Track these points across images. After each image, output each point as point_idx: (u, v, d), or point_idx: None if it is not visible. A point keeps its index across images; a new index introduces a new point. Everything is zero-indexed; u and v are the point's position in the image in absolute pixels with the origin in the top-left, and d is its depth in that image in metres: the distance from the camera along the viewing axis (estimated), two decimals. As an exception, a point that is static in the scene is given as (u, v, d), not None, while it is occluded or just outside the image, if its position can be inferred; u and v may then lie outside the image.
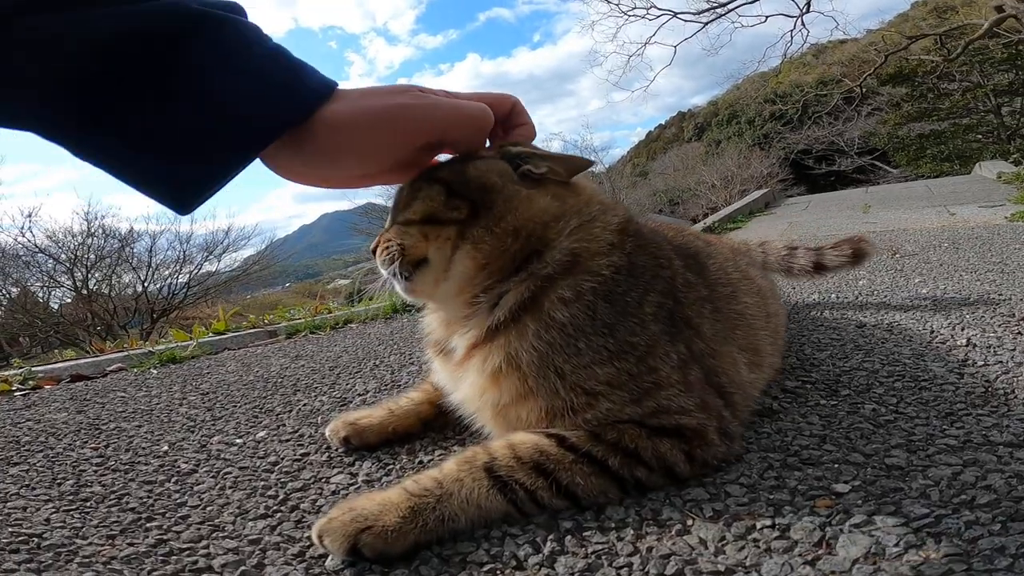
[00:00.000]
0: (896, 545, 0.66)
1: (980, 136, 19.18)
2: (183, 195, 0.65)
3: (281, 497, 0.96)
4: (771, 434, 0.99)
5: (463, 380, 0.94)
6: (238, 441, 1.25)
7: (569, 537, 0.74)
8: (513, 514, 0.78)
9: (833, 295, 2.22)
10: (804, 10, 14.51)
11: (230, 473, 1.08)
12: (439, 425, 1.15)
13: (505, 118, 0.90)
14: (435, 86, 0.88)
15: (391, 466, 1.04)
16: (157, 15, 0.58)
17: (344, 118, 0.68)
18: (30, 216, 12.59)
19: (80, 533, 0.90)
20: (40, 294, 13.46)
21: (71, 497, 1.04)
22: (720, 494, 0.80)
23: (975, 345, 1.41)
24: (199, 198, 0.66)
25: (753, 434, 1.00)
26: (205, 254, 14.07)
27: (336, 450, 1.12)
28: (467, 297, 0.92)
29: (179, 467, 1.14)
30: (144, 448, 1.27)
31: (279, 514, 0.90)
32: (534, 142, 0.94)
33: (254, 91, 0.63)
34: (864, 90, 18.41)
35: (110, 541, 0.86)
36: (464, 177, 0.87)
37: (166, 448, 1.25)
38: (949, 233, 3.78)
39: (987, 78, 18.19)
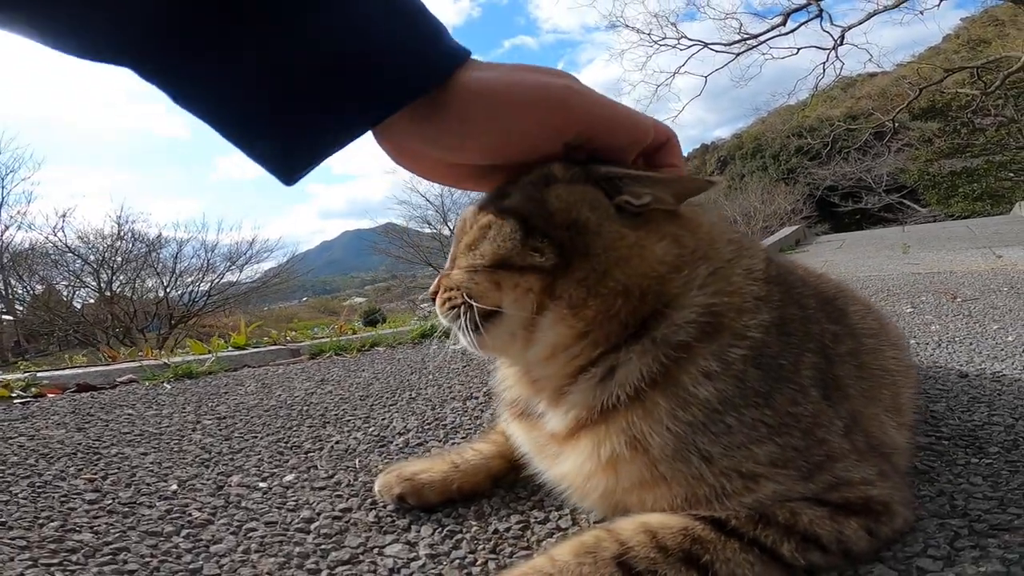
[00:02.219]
0: None
1: (1012, 174, 18.47)
2: (293, 157, 0.57)
3: (325, 573, 0.74)
4: (934, 496, 0.86)
5: (561, 459, 0.75)
6: (261, 485, 1.03)
7: None
8: None
9: (911, 340, 2.00)
10: (838, 42, 14.31)
11: (255, 530, 0.86)
12: (509, 482, 0.94)
13: (654, 152, 0.72)
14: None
15: (459, 535, 0.81)
16: None
17: (492, 85, 0.57)
18: (64, 216, 12.77)
19: (61, 602, 0.69)
20: (64, 293, 13.58)
21: (54, 545, 0.83)
22: (911, 570, 0.67)
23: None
24: (310, 163, 0.57)
25: (914, 498, 0.82)
26: (228, 264, 14.13)
27: (384, 507, 0.90)
28: (562, 366, 0.72)
29: (191, 515, 0.92)
30: (149, 484, 1.06)
31: (323, 601, 0.68)
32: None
33: (400, 33, 0.53)
34: (896, 124, 17.92)
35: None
36: (545, 208, 0.67)
37: (175, 487, 1.04)
38: (1003, 277, 3.53)
39: (1022, 112, 17.58)
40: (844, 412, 0.72)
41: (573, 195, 0.67)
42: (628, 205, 0.68)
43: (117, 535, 0.86)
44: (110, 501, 0.98)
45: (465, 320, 0.69)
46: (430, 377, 1.93)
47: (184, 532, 0.86)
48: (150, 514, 0.93)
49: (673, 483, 0.66)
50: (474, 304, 0.68)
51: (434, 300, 0.75)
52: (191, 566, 0.77)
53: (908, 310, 2.65)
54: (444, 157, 0.62)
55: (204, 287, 13.74)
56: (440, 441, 1.26)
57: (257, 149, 0.56)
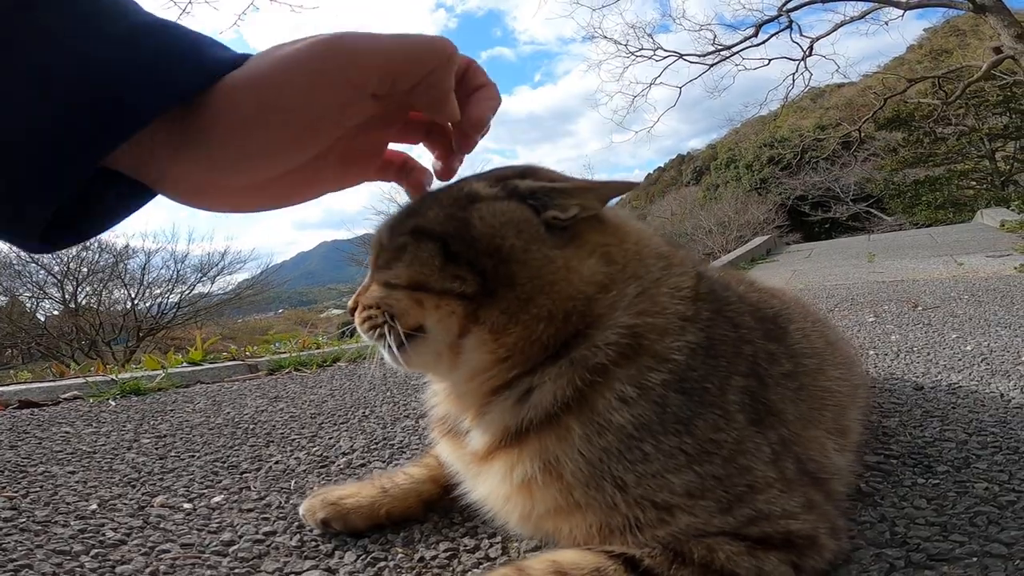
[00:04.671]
0: None
1: (974, 183, 18.48)
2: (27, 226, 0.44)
3: (231, 600, 0.71)
4: (875, 523, 0.81)
5: (482, 479, 0.73)
6: (187, 505, 1.00)
7: None
8: None
9: (871, 351, 2.02)
10: (807, 53, 14.59)
11: (168, 552, 0.83)
12: (444, 506, 0.91)
13: (460, 79, 0.60)
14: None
15: (382, 562, 0.79)
16: None
17: (252, 76, 0.46)
18: (25, 226, 12.39)
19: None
20: (28, 304, 13.16)
21: (-42, 565, 0.79)
22: (839, 606, 0.62)
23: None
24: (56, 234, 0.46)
25: (853, 524, 0.80)
26: (199, 275, 13.80)
27: (311, 531, 0.87)
28: (481, 384, 0.70)
29: (104, 535, 0.88)
30: (68, 503, 1.02)
31: (222, 630, 0.65)
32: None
33: (118, 55, 0.42)
34: (863, 135, 18.08)
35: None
36: (468, 233, 0.65)
37: (95, 506, 1.00)
38: (964, 285, 3.59)
39: (982, 121, 17.64)
40: (774, 437, 0.69)
41: (498, 218, 0.65)
42: (556, 221, 0.66)
43: (23, 553, 0.82)
44: (25, 519, 0.94)
45: (389, 339, 0.67)
46: (387, 394, 1.90)
47: (93, 552, 0.82)
48: (63, 533, 0.89)
49: (588, 511, 0.64)
50: (396, 324, 0.66)
51: (353, 315, 0.72)
52: (90, 590, 0.73)
53: (871, 319, 2.67)
54: (242, 178, 0.50)
55: (174, 299, 13.43)
56: (384, 462, 1.23)
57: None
